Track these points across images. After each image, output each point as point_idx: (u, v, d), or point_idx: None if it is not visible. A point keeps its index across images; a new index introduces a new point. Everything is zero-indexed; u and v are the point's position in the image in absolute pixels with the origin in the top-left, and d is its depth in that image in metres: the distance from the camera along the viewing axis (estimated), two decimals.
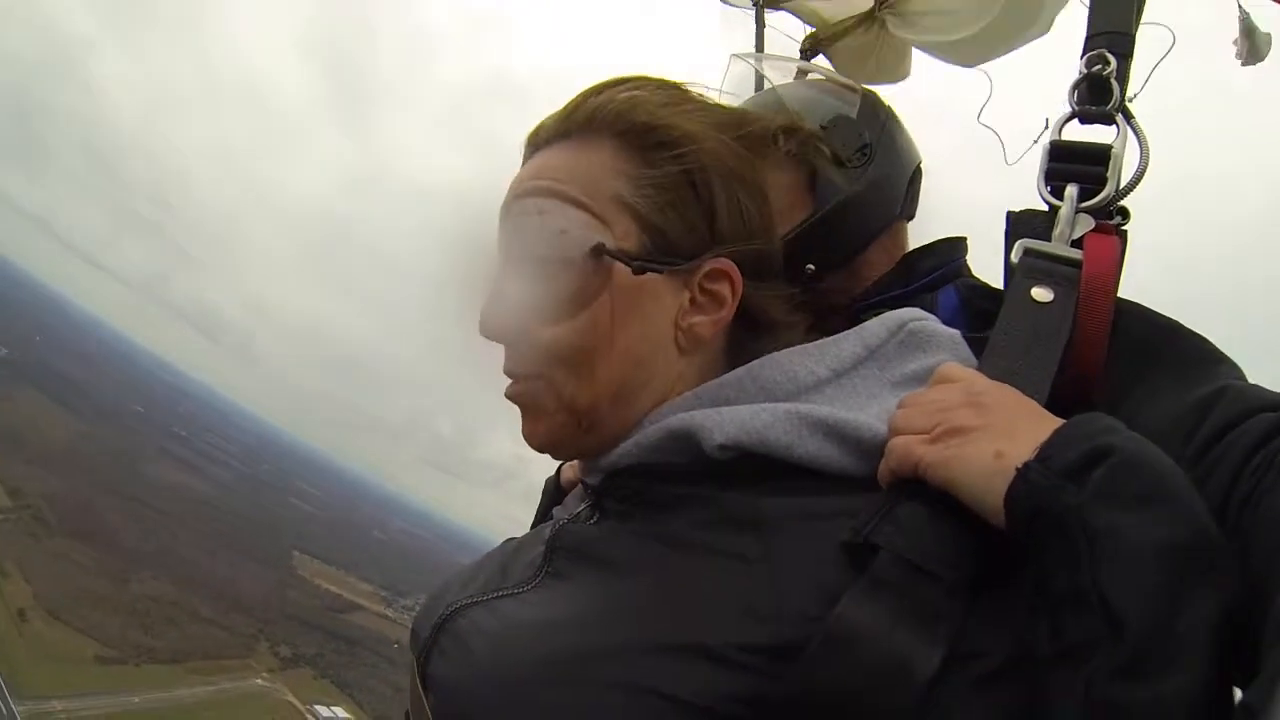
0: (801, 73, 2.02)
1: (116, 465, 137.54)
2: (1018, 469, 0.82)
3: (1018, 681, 0.79)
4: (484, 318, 1.11)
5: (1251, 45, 1.98)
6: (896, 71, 2.42)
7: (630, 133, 1.08)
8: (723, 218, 1.09)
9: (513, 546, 1.20)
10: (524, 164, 1.16)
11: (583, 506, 1.14)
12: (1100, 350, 1.09)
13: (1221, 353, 1.10)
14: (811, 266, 1.42)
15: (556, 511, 1.20)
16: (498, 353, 1.14)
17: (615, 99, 1.09)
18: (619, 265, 1.05)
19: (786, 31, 2.44)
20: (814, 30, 2.32)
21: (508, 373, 1.13)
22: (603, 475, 1.09)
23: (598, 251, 1.05)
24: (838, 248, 1.49)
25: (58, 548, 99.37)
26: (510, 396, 1.14)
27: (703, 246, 1.08)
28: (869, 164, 1.52)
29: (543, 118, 1.16)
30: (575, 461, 1.57)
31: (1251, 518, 0.80)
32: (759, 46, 2.44)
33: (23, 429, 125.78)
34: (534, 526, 1.46)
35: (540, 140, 1.15)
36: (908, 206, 1.61)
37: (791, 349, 1.10)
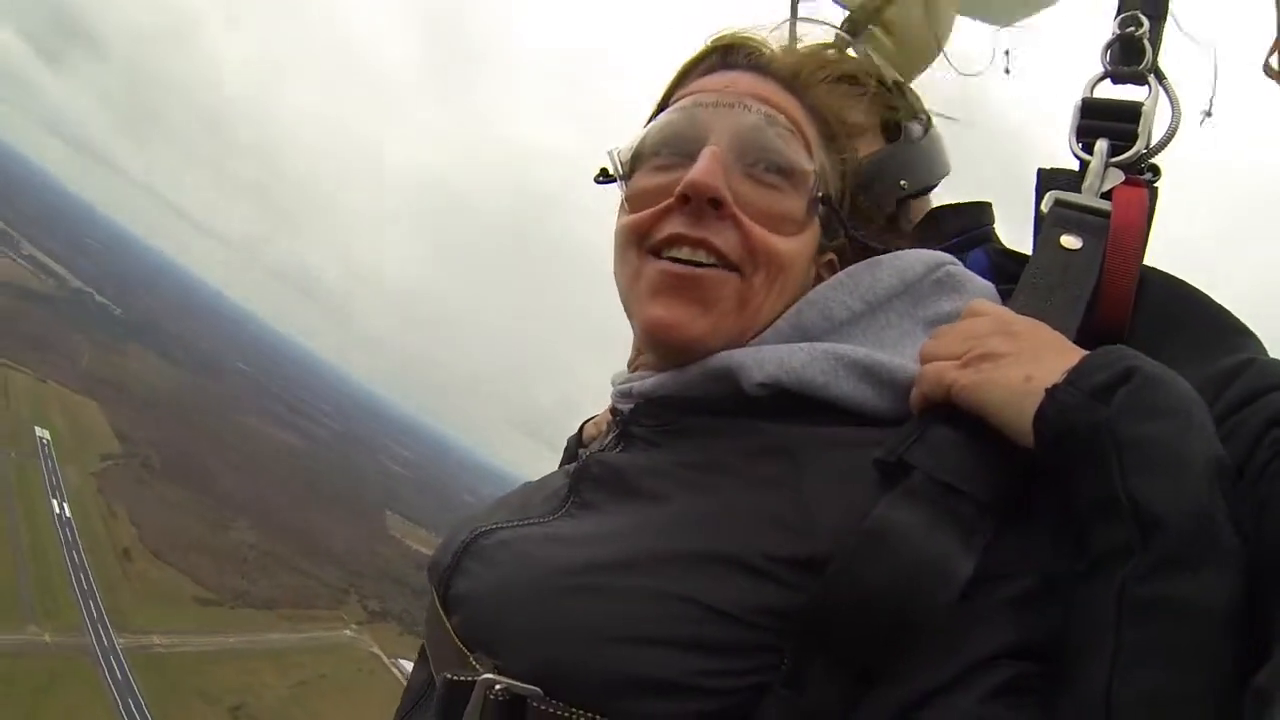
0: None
1: (218, 417, 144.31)
2: (1047, 390, 0.83)
3: (1047, 605, 0.81)
4: (710, 177, 1.06)
5: None
6: (929, 44, 2.31)
7: (826, 121, 1.23)
8: (849, 213, 1.23)
9: (532, 485, 1.20)
10: (737, 70, 1.22)
11: (609, 438, 1.15)
12: (1127, 298, 1.11)
13: (1245, 325, 1.11)
14: (904, 183, 1.49)
15: (581, 453, 1.21)
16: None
17: (822, 82, 1.25)
18: (818, 218, 1.17)
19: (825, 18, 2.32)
20: (851, 13, 2.24)
21: (710, 249, 1.08)
22: (635, 401, 1.12)
23: (825, 200, 1.17)
24: (921, 176, 1.55)
25: (162, 492, 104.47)
26: (684, 275, 1.08)
27: (842, 235, 1.22)
28: (929, 127, 1.62)
29: (752, 33, 1.27)
30: (597, 419, 1.67)
31: (1268, 489, 0.80)
32: (792, 29, 2.25)
33: (132, 381, 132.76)
34: None
35: (764, 66, 1.23)
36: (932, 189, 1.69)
37: (826, 284, 1.14)
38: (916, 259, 1.16)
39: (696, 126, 1.14)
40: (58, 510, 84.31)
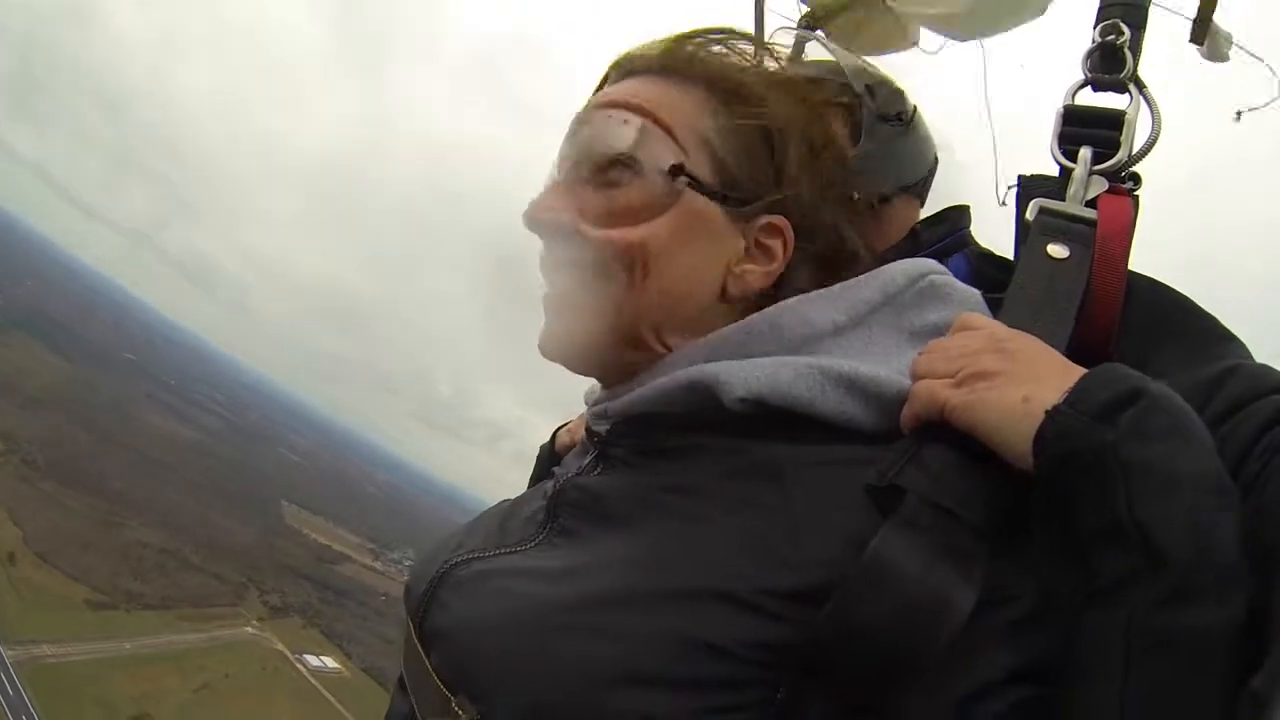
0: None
1: (107, 411, 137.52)
2: (1046, 412, 0.82)
3: (1049, 626, 0.80)
4: (534, 209, 1.09)
5: (1213, 44, 2.03)
6: (894, 44, 2.44)
7: (719, 84, 1.11)
8: (790, 177, 1.10)
9: (509, 505, 1.18)
10: (608, 85, 1.18)
11: (586, 459, 1.11)
12: (1115, 309, 1.10)
13: (1231, 332, 1.11)
14: (856, 194, 1.40)
15: (556, 471, 1.17)
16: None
17: (710, 51, 1.15)
18: (687, 192, 1.06)
19: (783, 11, 2.46)
20: (810, 9, 2.34)
21: (549, 270, 1.10)
22: (611, 422, 1.08)
23: (675, 171, 1.06)
24: (873, 184, 1.49)
25: (48, 491, 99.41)
26: (546, 298, 1.11)
27: (772, 202, 1.10)
28: (907, 127, 1.60)
29: (631, 48, 1.18)
30: (571, 426, 1.64)
31: (1258, 499, 0.80)
32: (758, 22, 2.43)
33: (13, 374, 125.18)
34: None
35: (633, 68, 1.16)
36: (924, 185, 1.68)
37: (808, 295, 1.09)
38: (899, 270, 1.11)
39: (556, 157, 1.15)
40: None
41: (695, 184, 1.07)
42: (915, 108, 1.66)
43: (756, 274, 1.09)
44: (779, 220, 1.09)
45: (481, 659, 0.91)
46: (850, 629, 0.79)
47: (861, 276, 1.11)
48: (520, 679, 0.86)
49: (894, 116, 1.59)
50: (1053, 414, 0.82)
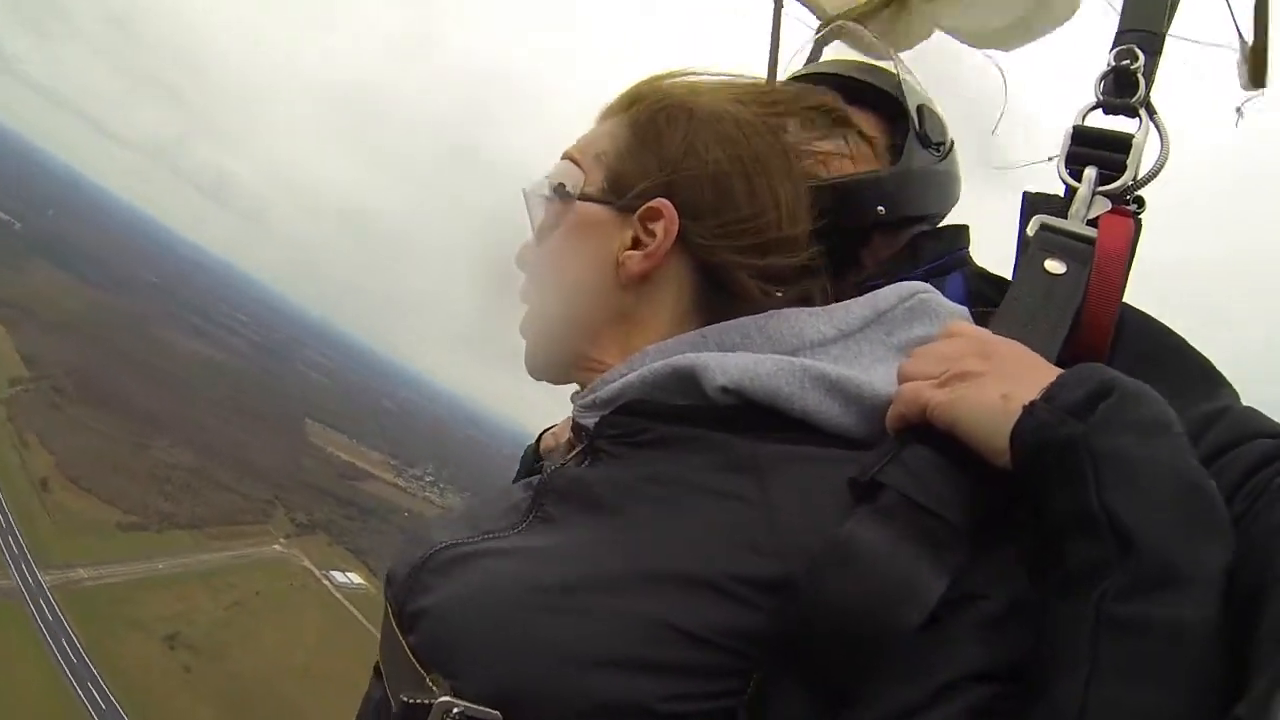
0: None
1: (132, 334, 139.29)
2: (1024, 407, 0.83)
3: (1023, 624, 0.80)
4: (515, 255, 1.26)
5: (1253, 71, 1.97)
6: (906, 44, 2.46)
7: (628, 103, 1.20)
8: (672, 159, 1.13)
9: (494, 495, 1.19)
10: None
11: (573, 453, 1.12)
12: (1108, 327, 1.12)
13: (1222, 375, 1.13)
14: (882, 209, 1.48)
15: (543, 466, 1.19)
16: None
17: (653, 84, 1.21)
18: (578, 204, 1.16)
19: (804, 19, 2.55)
20: (831, 17, 2.40)
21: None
22: (600, 414, 1.08)
23: (558, 190, 1.18)
24: (904, 205, 1.53)
25: (77, 416, 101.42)
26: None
27: (651, 187, 1.13)
28: (945, 158, 1.61)
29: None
30: (556, 430, 1.68)
31: (1242, 541, 0.80)
32: (775, 31, 2.50)
33: (36, 300, 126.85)
34: None
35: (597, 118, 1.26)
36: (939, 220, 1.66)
37: (800, 308, 1.12)
38: (891, 290, 1.15)
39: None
40: None
41: (583, 196, 1.16)
42: (952, 142, 1.67)
43: (636, 258, 1.12)
44: (659, 203, 1.11)
45: (457, 636, 0.91)
46: (819, 607, 0.80)
47: (853, 299, 1.15)
48: (494, 656, 0.86)
49: (934, 144, 1.60)
50: (1029, 409, 0.82)
